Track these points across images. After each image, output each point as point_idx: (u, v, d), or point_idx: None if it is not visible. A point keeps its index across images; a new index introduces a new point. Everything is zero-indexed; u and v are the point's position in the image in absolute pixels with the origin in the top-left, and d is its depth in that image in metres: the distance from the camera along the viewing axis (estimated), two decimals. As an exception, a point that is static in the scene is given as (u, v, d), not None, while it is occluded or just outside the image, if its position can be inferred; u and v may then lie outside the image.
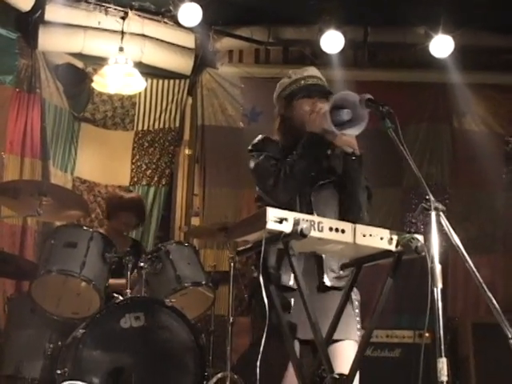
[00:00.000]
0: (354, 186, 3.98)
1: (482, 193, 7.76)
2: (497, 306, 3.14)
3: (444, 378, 3.03)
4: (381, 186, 6.99)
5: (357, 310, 3.95)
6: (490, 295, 3.15)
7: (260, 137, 4.07)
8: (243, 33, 8.13)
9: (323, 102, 3.93)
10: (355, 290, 3.91)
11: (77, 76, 7.99)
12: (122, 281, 5.68)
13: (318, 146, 3.89)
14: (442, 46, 7.55)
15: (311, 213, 3.81)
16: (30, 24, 7.56)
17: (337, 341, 3.73)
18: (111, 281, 5.69)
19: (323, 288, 3.81)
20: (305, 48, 7.96)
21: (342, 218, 3.86)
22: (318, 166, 3.98)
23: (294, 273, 3.34)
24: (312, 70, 4.22)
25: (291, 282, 3.64)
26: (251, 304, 3.97)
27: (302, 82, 4.09)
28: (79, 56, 7.96)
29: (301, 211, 3.69)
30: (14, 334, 5.78)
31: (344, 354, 3.74)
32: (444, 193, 7.59)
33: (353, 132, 3.71)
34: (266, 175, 3.87)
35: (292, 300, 3.67)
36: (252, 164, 3.98)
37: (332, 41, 7.55)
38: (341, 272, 3.79)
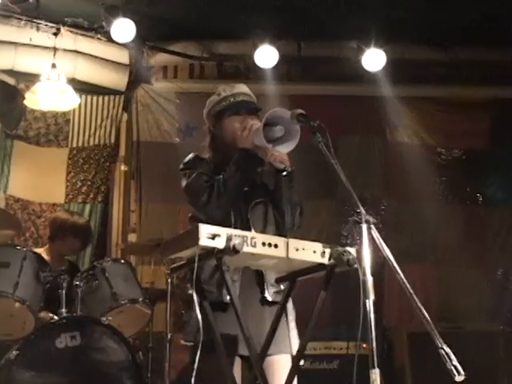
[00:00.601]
0: (286, 203, 4.01)
1: (415, 204, 7.87)
2: (426, 315, 3.20)
3: (376, 388, 3.08)
4: (315, 198, 7.08)
5: (292, 324, 3.96)
6: (420, 305, 3.21)
7: (191, 155, 4.09)
8: (177, 48, 8.15)
9: (252, 118, 3.98)
10: (290, 305, 3.95)
11: (8, 93, 7.91)
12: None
13: (250, 162, 3.92)
14: (373, 59, 7.66)
15: (249, 230, 3.82)
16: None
17: (271, 355, 3.76)
18: (42, 314, 5.62)
19: (264, 303, 3.83)
20: (239, 63, 8.00)
21: (279, 233, 3.91)
22: (252, 182, 4.02)
23: (227, 289, 3.35)
24: (241, 87, 4.25)
25: (227, 298, 3.61)
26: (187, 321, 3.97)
27: (232, 99, 4.11)
28: (10, 72, 7.87)
29: (235, 228, 3.76)
30: None
31: (279, 369, 3.77)
32: (380, 204, 7.67)
33: (285, 149, 3.76)
34: (198, 192, 3.87)
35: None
36: (184, 182, 3.99)
37: (266, 55, 7.61)
38: (281, 286, 3.81)
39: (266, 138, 3.64)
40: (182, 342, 3.81)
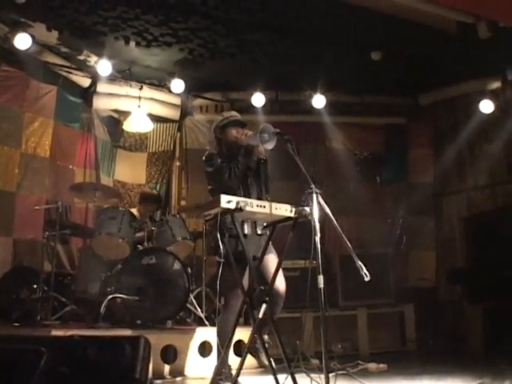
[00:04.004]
0: (262, 177, 4.12)
1: (342, 183, 7.93)
2: (349, 244, 3.22)
3: (321, 285, 3.10)
4: (287, 179, 7.08)
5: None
6: (346, 239, 3.22)
7: (208, 152, 4.23)
8: (208, 95, 8.15)
9: (243, 128, 4.15)
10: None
11: (114, 122, 8.02)
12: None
13: (248, 153, 4.03)
14: (319, 101, 7.67)
15: (248, 193, 4.00)
16: (88, 94, 7.58)
17: (267, 255, 3.86)
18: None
19: (257, 234, 3.87)
20: (242, 103, 7.93)
21: (262, 195, 4.06)
22: (249, 166, 4.08)
23: (236, 229, 3.39)
24: (234, 112, 4.45)
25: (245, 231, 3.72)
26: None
27: (230, 118, 4.27)
28: (115, 111, 7.97)
29: (242, 193, 3.92)
30: (83, 268, 5.89)
31: (270, 261, 3.97)
32: (322, 183, 7.59)
33: (269, 146, 3.84)
34: (223, 173, 3.92)
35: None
36: (210, 168, 4.07)
37: (258, 99, 7.64)
38: (264, 227, 3.83)
39: (260, 140, 3.71)
40: (217, 258, 3.83)
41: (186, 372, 4.79)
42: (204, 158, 4.15)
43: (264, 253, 3.67)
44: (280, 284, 3.99)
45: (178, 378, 4.67)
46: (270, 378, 3.56)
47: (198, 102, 8.22)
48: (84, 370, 1.53)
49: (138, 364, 1.59)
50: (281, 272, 3.88)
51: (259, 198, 3.90)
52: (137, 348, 1.58)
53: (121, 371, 1.57)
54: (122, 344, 1.58)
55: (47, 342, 1.53)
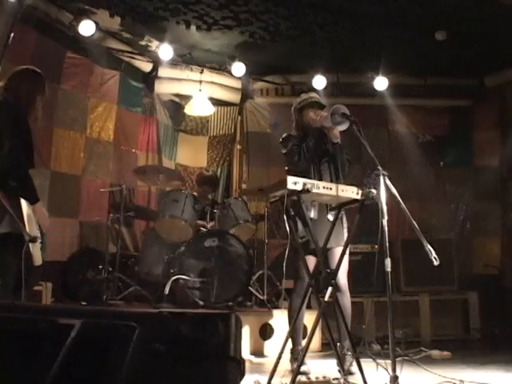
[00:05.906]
0: (338, 162, 4.09)
1: (406, 166, 7.73)
2: (417, 227, 3.15)
3: (388, 269, 3.05)
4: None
5: (345, 230, 4.03)
6: (414, 222, 3.15)
7: (285, 134, 4.23)
8: (269, 79, 8.13)
9: (320, 110, 4.08)
10: (345, 218, 4.05)
11: (176, 106, 8.12)
12: (203, 222, 5.85)
13: (320, 136, 4.04)
14: (381, 83, 7.53)
15: (320, 177, 3.97)
16: (149, 79, 7.68)
17: (333, 248, 3.90)
18: (198, 222, 5.78)
19: (328, 220, 3.78)
20: (303, 86, 7.84)
21: (336, 179, 4.01)
22: (321, 148, 4.09)
23: (303, 212, 3.37)
24: (313, 93, 4.38)
25: (312, 215, 3.68)
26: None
27: (308, 99, 4.19)
28: (177, 95, 8.06)
29: (314, 176, 3.92)
30: (147, 251, 5.96)
31: (337, 254, 3.76)
32: (385, 168, 7.44)
33: (341, 128, 3.79)
34: (293, 155, 3.98)
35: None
36: (284, 150, 4.12)
37: (319, 81, 7.54)
38: (331, 209, 3.76)
39: (331, 122, 3.66)
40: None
41: (248, 354, 4.84)
42: (281, 139, 4.17)
43: (329, 237, 3.59)
44: (341, 278, 3.92)
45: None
46: (333, 361, 3.56)
47: (259, 85, 8.22)
48: (177, 346, 1.53)
49: (231, 341, 1.57)
50: (344, 265, 3.81)
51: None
52: (229, 325, 1.57)
53: (214, 349, 1.57)
54: (214, 321, 1.57)
55: (137, 317, 1.53)
